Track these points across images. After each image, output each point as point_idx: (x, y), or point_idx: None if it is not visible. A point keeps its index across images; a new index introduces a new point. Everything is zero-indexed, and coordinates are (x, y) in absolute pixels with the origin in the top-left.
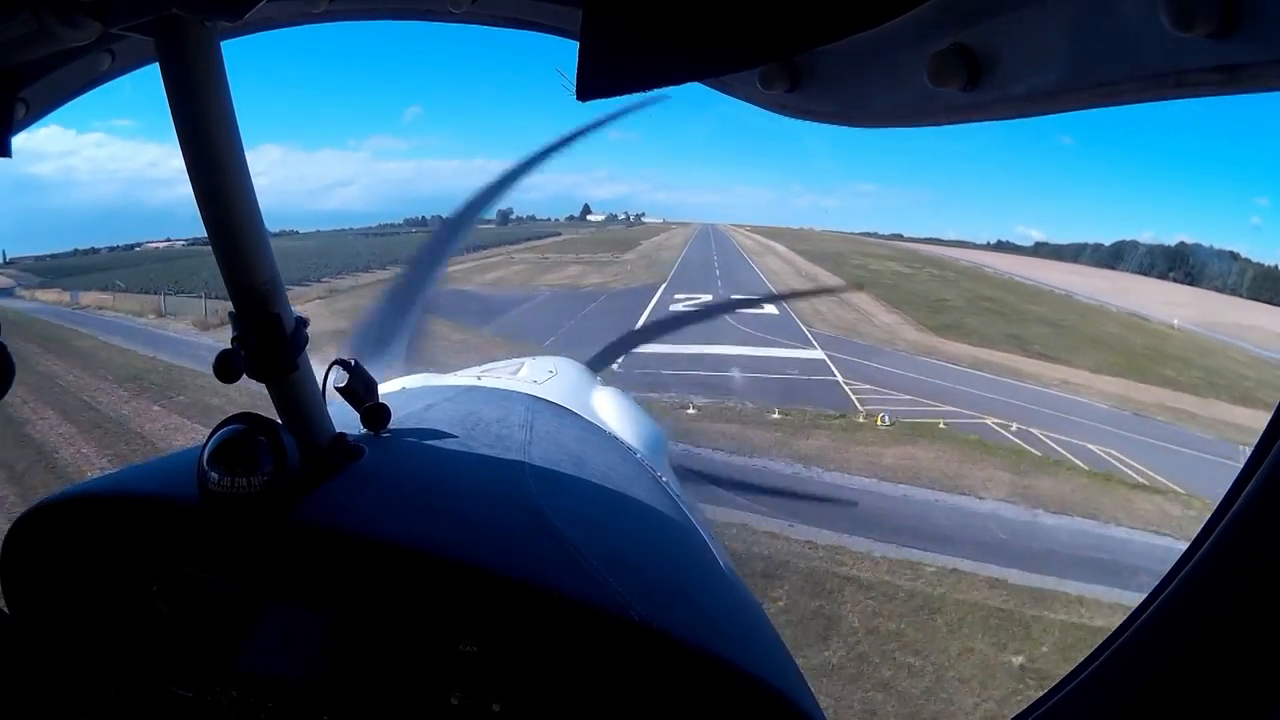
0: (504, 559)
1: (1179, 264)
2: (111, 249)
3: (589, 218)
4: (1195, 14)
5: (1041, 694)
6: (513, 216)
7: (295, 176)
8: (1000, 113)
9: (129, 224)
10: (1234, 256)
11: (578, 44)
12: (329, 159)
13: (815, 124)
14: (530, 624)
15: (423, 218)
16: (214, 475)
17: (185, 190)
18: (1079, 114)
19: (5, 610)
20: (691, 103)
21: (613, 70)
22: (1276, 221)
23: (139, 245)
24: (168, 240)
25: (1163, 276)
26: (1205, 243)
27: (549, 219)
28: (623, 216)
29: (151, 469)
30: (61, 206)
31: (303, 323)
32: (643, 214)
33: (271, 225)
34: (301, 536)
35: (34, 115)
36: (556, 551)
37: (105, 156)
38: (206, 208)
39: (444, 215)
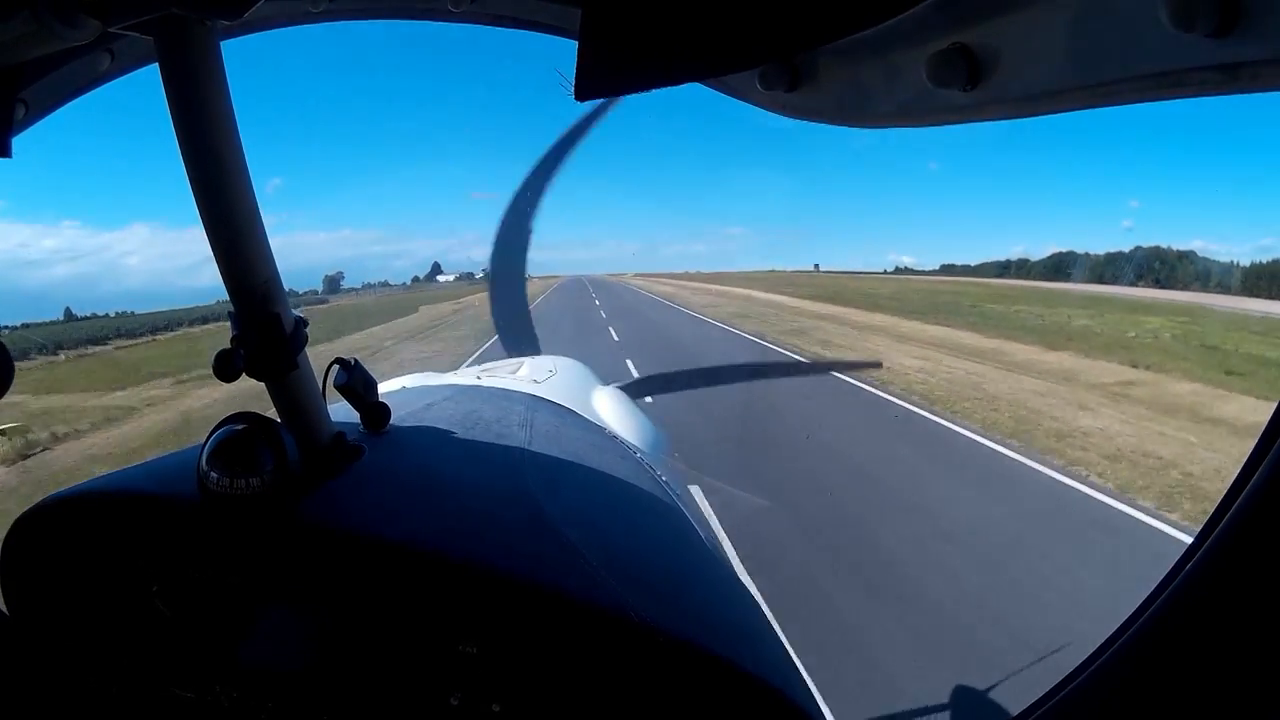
0: (503, 557)
1: (1172, 269)
2: None
3: (439, 278)
4: (1195, 13)
5: (1042, 694)
6: (343, 285)
7: (165, 255)
8: (1000, 113)
9: (6, 308)
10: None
11: (577, 43)
12: (198, 236)
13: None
14: (530, 622)
15: None
16: (214, 475)
17: (60, 271)
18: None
19: (4, 611)
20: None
21: (612, 70)
22: (1147, 221)
23: None
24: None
25: (1163, 286)
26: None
27: (401, 284)
28: (480, 275)
29: (151, 468)
30: None
31: (302, 322)
32: None
33: (144, 305)
34: (302, 535)
35: (34, 115)
36: (555, 549)
37: None
38: (205, 208)
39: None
